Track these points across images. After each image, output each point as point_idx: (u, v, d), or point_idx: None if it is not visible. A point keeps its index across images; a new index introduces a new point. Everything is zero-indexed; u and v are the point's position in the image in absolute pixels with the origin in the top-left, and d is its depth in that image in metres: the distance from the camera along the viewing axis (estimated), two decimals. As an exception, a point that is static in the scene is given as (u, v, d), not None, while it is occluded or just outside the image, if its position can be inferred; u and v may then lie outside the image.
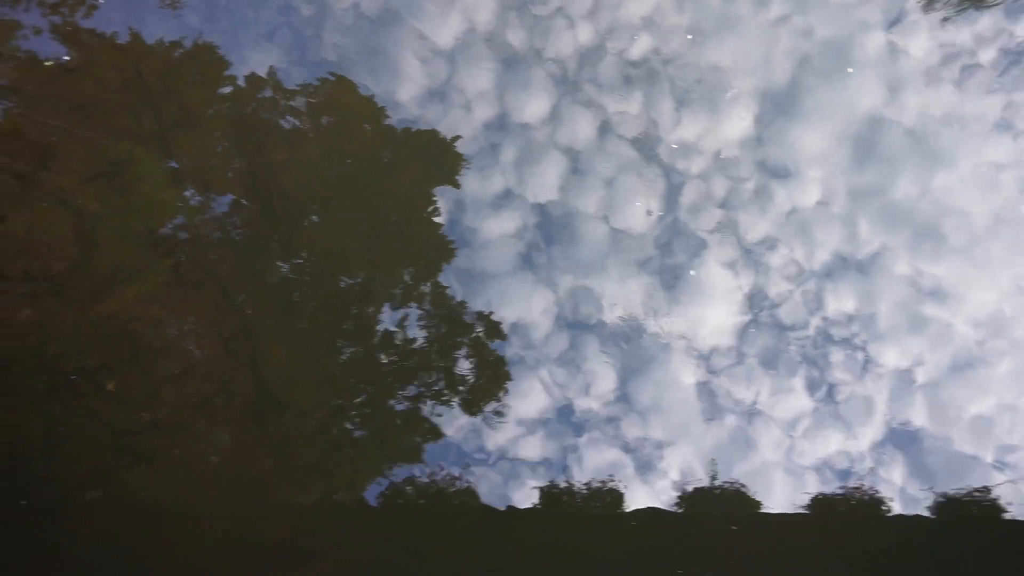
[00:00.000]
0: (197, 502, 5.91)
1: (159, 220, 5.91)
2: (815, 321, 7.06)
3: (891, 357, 6.83)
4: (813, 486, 6.76)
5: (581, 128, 6.97)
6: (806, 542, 6.61)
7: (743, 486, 7.05)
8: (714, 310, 7.19)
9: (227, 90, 6.19)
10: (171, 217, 5.98)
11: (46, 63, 5.83)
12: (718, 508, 7.19)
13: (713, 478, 7.05)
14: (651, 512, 6.99)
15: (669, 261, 7.11)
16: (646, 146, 7.02)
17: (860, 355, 7.03)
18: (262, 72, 6.36)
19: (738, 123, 7.05)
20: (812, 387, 7.01)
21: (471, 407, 6.64)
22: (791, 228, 7.05)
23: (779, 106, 7.05)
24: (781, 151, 7.09)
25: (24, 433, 5.58)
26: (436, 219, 6.60)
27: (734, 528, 7.01)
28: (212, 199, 6.08)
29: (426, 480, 6.51)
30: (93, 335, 5.70)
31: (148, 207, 5.87)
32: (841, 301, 6.93)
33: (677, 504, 6.96)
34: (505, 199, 6.85)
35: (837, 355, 7.04)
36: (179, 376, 5.83)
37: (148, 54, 6.09)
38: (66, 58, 5.77)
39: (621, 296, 7.00)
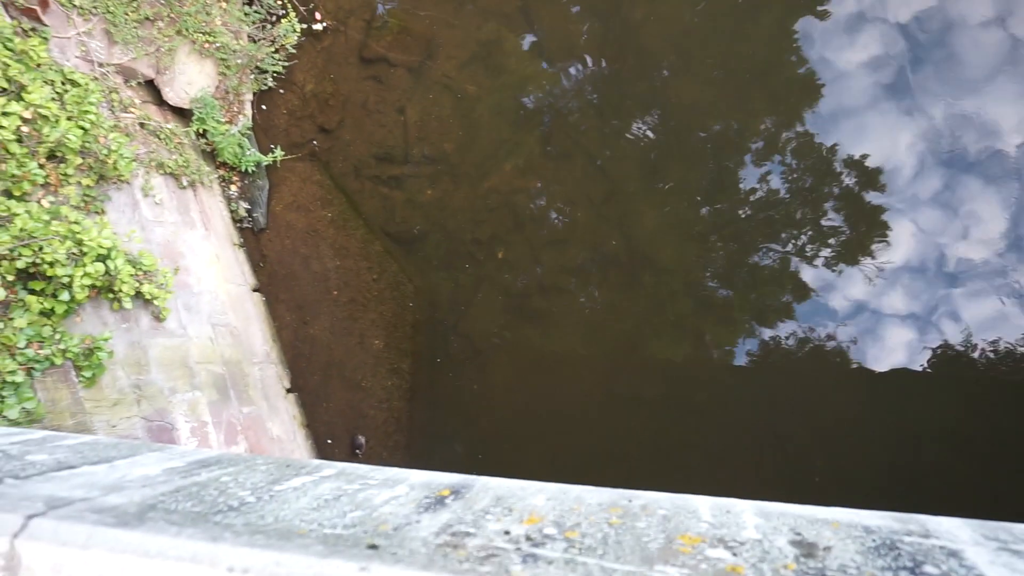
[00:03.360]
0: (578, 355, 6.66)
1: (528, 94, 6.61)
2: None
3: None
4: None
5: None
6: None
7: None
8: None
9: (578, -46, 6.60)
10: (538, 89, 6.64)
11: (421, -40, 6.72)
12: None
13: None
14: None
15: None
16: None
17: None
18: (607, -71, 6.65)
19: None
20: None
21: (841, 261, 6.55)
22: None
23: None
24: None
25: (435, 297, 6.73)
26: (798, 58, 6.46)
27: None
28: (573, 66, 6.61)
29: (798, 339, 6.63)
30: (483, 208, 6.64)
31: (517, 82, 6.59)
32: None
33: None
34: (868, 22, 6.45)
35: None
36: (558, 241, 6.54)
37: (504, -67, 6.71)
38: (438, -49, 6.60)
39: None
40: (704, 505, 1.58)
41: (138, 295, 4.85)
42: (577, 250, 6.72)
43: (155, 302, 4.97)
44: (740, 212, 6.74)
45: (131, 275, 4.60)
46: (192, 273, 6.16)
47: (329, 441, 6.55)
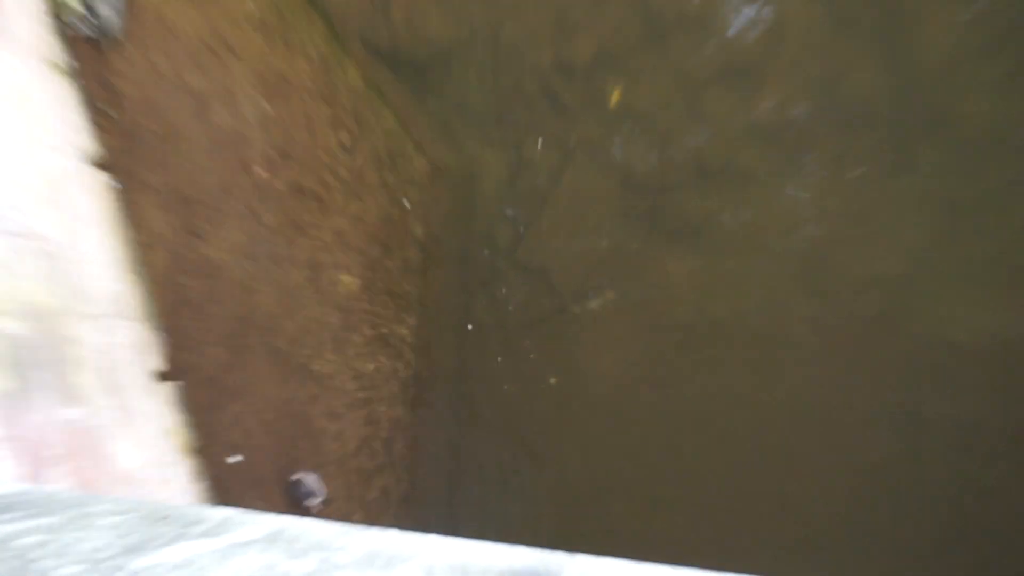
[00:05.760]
0: (776, 314, 5.15)
1: None
2: None
3: None
4: None
5: None
6: None
7: None
8: None
9: None
10: None
11: None
12: None
13: None
14: None
15: None
16: None
17: None
18: None
19: None
20: None
21: None
22: None
23: None
24: None
25: (471, 186, 5.42)
26: None
27: None
28: None
29: None
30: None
31: None
32: None
33: None
34: None
35: None
36: (737, 73, 4.96)
37: None
38: None
39: None
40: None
41: None
42: (779, 92, 5.21)
43: None
44: None
45: None
46: (-37, 124, 4.79)
47: (237, 458, 5.19)
